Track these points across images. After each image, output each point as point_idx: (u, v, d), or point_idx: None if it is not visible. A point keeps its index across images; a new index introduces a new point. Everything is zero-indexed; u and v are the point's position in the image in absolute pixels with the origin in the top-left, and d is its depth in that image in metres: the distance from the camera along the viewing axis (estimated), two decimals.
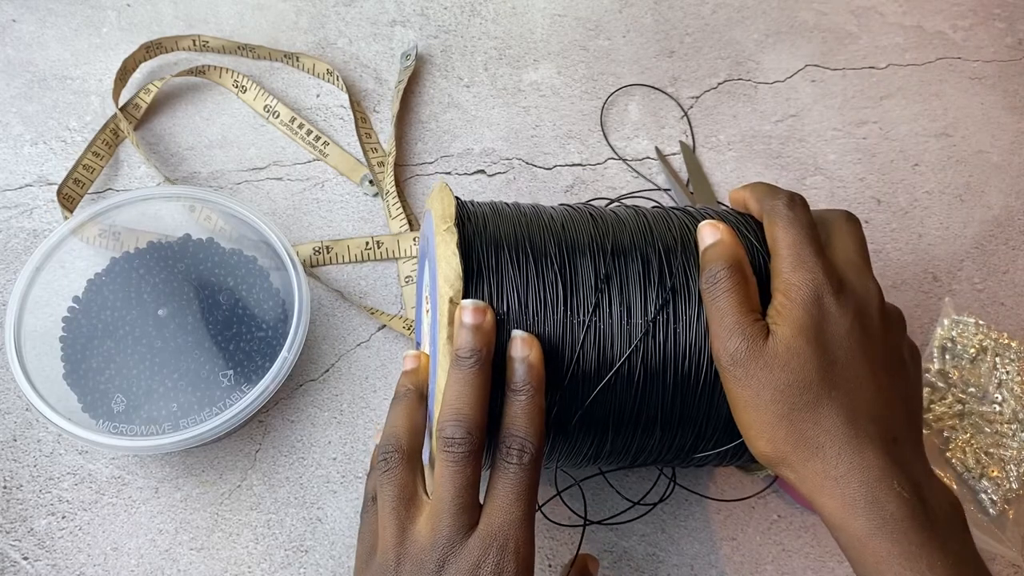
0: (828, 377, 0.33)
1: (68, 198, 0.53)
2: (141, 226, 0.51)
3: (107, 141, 0.56)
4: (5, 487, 0.47)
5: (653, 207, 0.43)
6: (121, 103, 0.57)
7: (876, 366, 0.34)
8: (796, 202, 0.37)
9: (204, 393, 0.47)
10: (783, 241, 0.36)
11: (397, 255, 0.54)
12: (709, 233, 0.37)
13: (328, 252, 0.54)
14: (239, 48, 0.59)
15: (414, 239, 0.54)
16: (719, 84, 0.64)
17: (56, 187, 0.55)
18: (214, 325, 0.49)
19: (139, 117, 0.57)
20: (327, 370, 0.51)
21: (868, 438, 0.33)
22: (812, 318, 0.34)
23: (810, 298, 0.34)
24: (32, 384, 0.45)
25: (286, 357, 0.47)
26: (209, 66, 0.59)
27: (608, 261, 0.37)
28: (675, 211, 0.41)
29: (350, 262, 0.54)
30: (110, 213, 0.50)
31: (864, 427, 0.33)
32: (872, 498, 0.32)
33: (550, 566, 0.47)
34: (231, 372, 0.47)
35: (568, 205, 0.42)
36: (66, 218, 0.52)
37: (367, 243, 0.54)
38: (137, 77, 0.59)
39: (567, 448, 0.39)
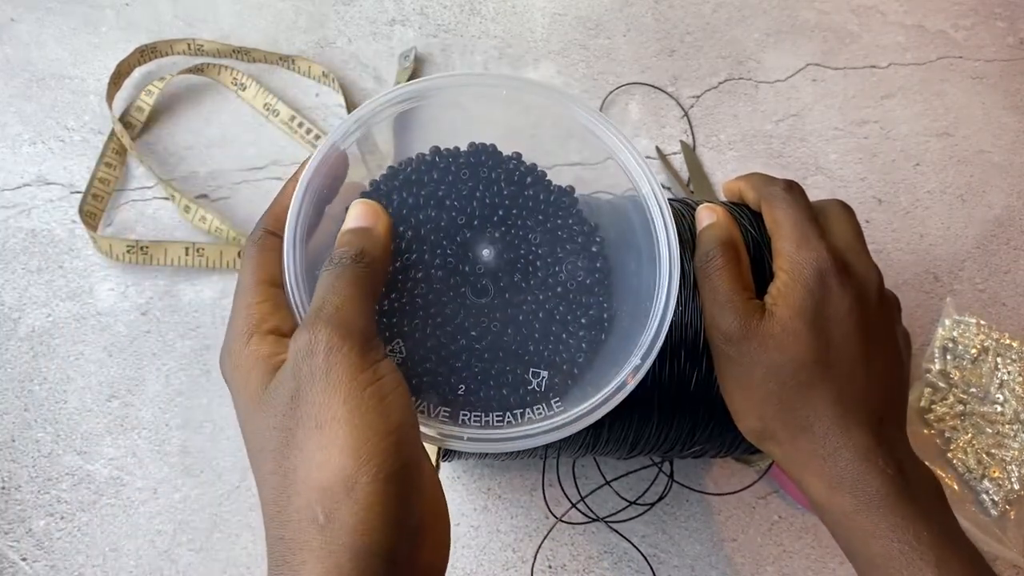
0: (823, 359, 0.34)
1: (90, 215, 0.53)
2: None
3: (116, 150, 0.55)
4: (3, 488, 0.47)
5: None
6: (118, 105, 0.57)
7: (870, 348, 0.35)
8: (794, 187, 0.38)
9: (500, 380, 0.32)
10: (786, 222, 0.36)
11: None
12: (706, 215, 0.38)
13: None
14: (234, 52, 0.59)
15: None
16: (720, 83, 0.64)
17: (54, 187, 0.55)
18: (533, 293, 0.33)
19: (143, 120, 0.57)
20: None
21: (855, 418, 0.33)
22: (813, 298, 0.34)
23: (814, 277, 0.34)
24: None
25: (637, 365, 0.31)
26: (208, 64, 0.59)
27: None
28: (672, 201, 0.42)
29: None
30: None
31: (853, 408, 0.33)
32: (857, 476, 0.32)
33: (550, 567, 0.47)
34: (545, 374, 0.32)
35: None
36: (92, 238, 0.52)
37: None
38: (135, 77, 0.58)
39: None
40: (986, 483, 0.50)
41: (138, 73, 0.58)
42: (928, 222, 0.60)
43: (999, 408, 0.52)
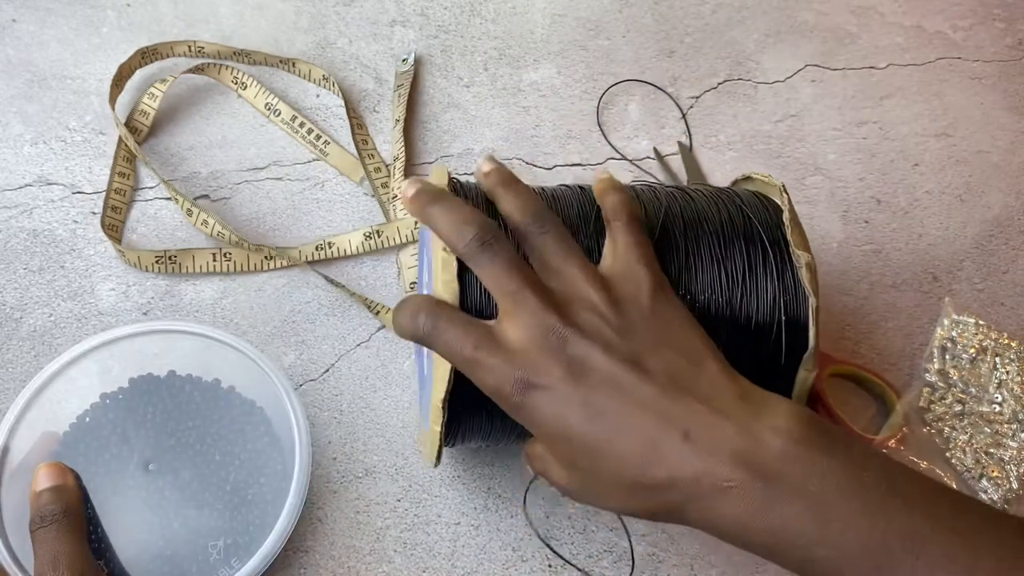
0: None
1: (112, 227, 0.53)
2: (135, 361, 0.46)
3: (127, 157, 0.55)
4: None
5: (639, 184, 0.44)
6: (121, 109, 0.57)
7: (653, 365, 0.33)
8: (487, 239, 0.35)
9: (189, 567, 0.41)
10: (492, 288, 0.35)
11: (398, 241, 0.54)
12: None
13: (330, 248, 0.54)
14: (235, 54, 0.59)
15: (416, 223, 0.54)
16: (719, 84, 0.64)
17: (56, 187, 0.55)
18: (205, 481, 0.43)
19: (149, 124, 0.57)
20: (327, 370, 0.51)
21: (714, 444, 0.31)
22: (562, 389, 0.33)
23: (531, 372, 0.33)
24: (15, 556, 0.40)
25: (280, 529, 0.42)
26: (209, 64, 0.59)
27: (596, 228, 0.39)
28: (665, 186, 0.42)
29: (352, 255, 0.54)
30: (102, 349, 0.46)
31: (707, 436, 0.31)
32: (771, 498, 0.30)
33: (550, 566, 0.47)
34: (220, 543, 0.42)
35: (563, 184, 0.43)
36: (119, 251, 0.52)
37: (366, 234, 0.54)
38: (136, 79, 0.58)
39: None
40: (984, 482, 0.50)
41: (139, 75, 0.58)
42: (927, 222, 0.60)
43: (998, 408, 0.52)
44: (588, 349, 0.32)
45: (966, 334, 0.54)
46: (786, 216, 0.40)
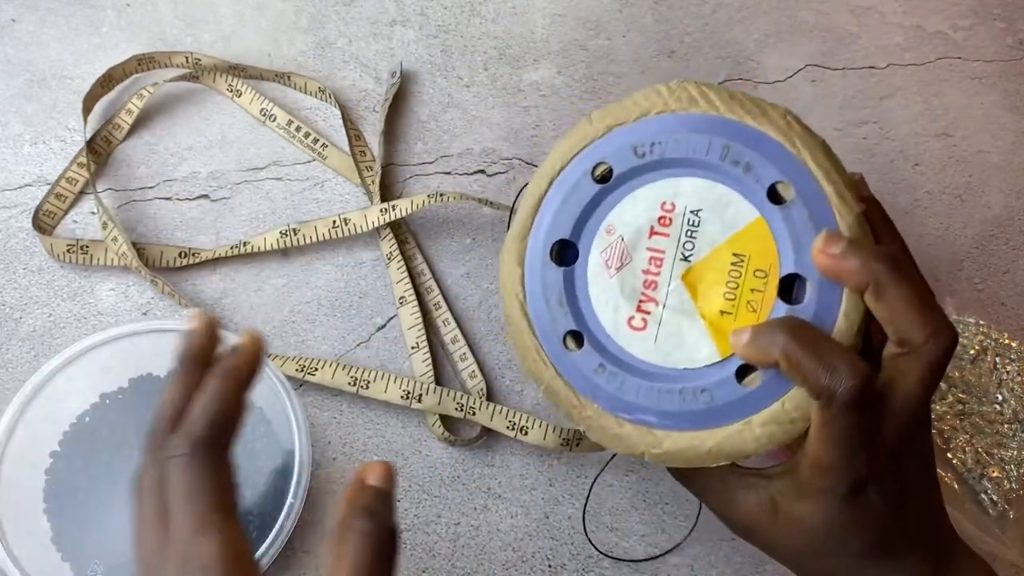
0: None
1: (49, 215, 0.53)
2: (127, 362, 0.47)
3: (96, 150, 0.55)
4: None
5: None
6: (104, 107, 0.57)
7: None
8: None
9: None
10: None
11: (365, 229, 0.54)
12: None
13: (295, 234, 0.53)
14: (231, 68, 0.59)
15: (381, 210, 0.53)
16: (719, 84, 0.64)
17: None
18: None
19: (131, 123, 0.57)
20: None
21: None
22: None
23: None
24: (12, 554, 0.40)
25: (280, 529, 0.43)
26: (203, 69, 0.59)
27: None
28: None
29: (318, 241, 0.54)
30: (98, 349, 0.46)
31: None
32: None
33: (550, 567, 0.47)
34: None
35: None
36: (41, 240, 0.52)
37: (334, 221, 0.54)
38: (127, 80, 0.58)
39: None
40: (985, 482, 0.50)
41: (131, 78, 0.58)
42: (927, 222, 0.60)
43: (998, 408, 0.52)
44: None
45: (967, 334, 0.54)
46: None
